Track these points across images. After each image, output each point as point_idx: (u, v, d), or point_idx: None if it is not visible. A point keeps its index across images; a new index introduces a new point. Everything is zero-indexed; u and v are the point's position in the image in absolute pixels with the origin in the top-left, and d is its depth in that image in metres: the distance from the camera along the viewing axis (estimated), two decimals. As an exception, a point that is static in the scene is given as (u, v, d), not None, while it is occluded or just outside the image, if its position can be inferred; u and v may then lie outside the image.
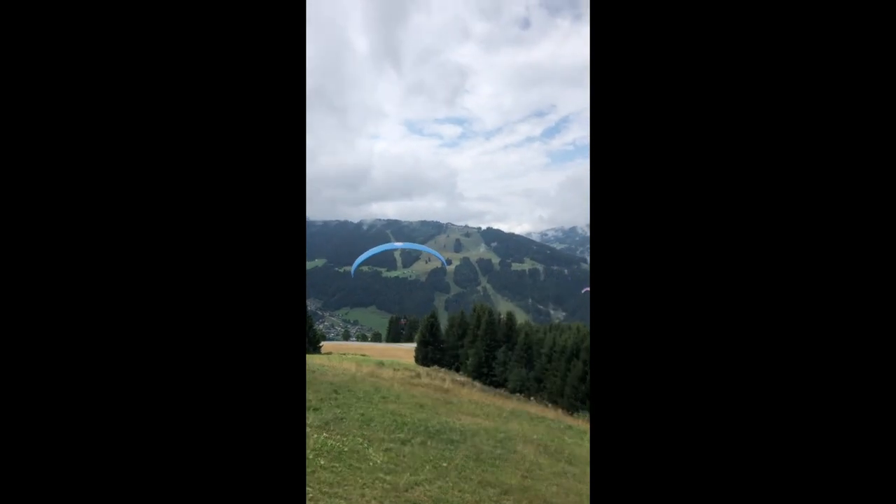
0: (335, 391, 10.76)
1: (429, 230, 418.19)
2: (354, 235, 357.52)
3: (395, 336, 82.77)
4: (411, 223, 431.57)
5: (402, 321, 32.19)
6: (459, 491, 4.90)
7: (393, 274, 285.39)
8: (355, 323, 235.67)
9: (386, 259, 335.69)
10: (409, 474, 4.90)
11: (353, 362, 22.68)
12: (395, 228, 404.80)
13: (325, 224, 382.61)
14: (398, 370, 23.10)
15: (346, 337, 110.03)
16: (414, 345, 48.43)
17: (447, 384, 19.18)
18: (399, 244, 22.94)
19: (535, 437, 8.54)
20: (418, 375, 20.92)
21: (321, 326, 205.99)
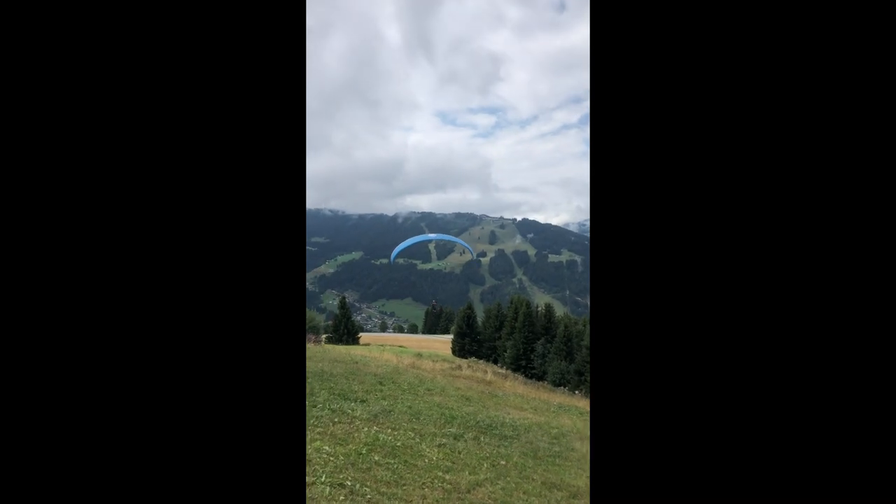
0: (380, 382, 10.67)
1: (463, 222, 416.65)
2: (390, 228, 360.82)
3: (431, 327, 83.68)
4: (445, 215, 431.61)
5: (435, 303, 34.06)
6: (524, 493, 4.62)
7: (428, 266, 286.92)
8: (392, 314, 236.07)
9: (420, 252, 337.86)
10: (468, 473, 4.90)
11: (393, 353, 22.87)
12: (430, 221, 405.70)
13: (361, 218, 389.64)
14: (437, 361, 23.01)
15: (384, 328, 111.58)
16: (450, 336, 48.56)
17: (489, 376, 18.93)
18: (433, 235, 23.41)
19: (589, 433, 8.42)
20: (459, 367, 20.77)
21: (359, 318, 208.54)
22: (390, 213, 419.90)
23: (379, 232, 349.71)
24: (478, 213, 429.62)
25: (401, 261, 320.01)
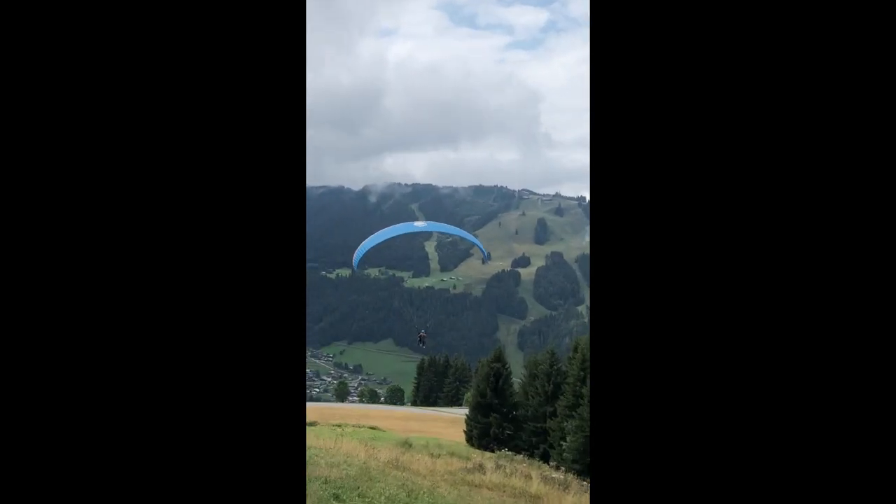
0: (335, 497, 10.47)
1: (487, 203, 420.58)
2: (355, 213, 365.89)
3: (428, 392, 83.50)
4: (455, 191, 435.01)
5: (423, 334, 34.14)
6: None
7: (424, 282, 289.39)
8: (357, 369, 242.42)
9: (410, 257, 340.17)
10: None
11: (360, 441, 23.10)
12: (428, 199, 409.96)
13: (307, 193, 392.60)
14: (440, 456, 22.71)
15: (343, 394, 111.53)
16: (463, 410, 48.54)
17: (535, 485, 18.40)
18: (421, 224, 23.78)
19: None
20: (480, 468, 20.34)
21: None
22: (356, 187, 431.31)
23: (336, 220, 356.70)
24: (515, 186, 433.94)
25: (374, 272, 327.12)
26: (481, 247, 30.42)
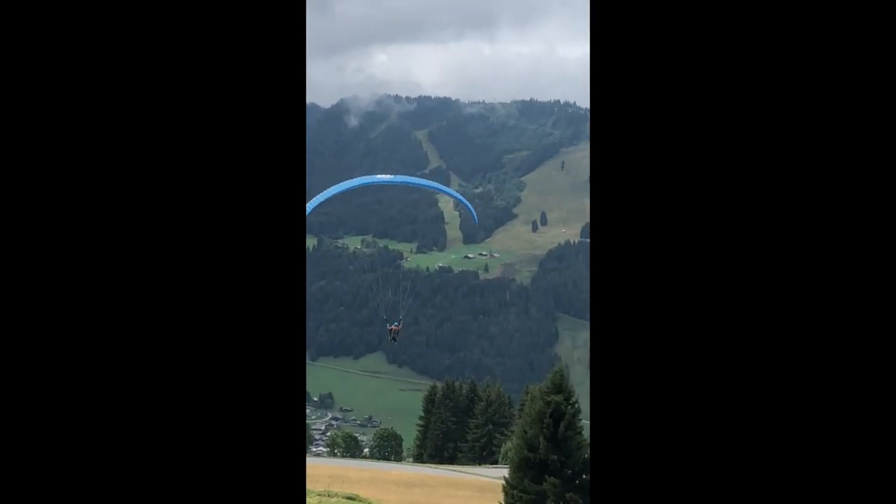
0: None
1: (542, 129, 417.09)
2: (324, 143, 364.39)
3: (438, 442, 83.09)
4: (491, 108, 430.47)
5: (395, 327, 40.59)
6: None
7: (436, 260, 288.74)
8: (324, 402, 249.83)
9: (414, 219, 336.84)
10: None
11: None
12: (443, 123, 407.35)
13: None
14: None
15: (306, 442, 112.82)
16: (500, 471, 48.50)
17: None
18: (387, 178, 27.77)
19: None
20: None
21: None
22: (325, 102, 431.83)
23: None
24: (585, 104, 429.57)
25: (354, 242, 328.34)
26: (468, 204, 31.04)
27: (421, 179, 28.38)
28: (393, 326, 41.13)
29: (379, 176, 29.71)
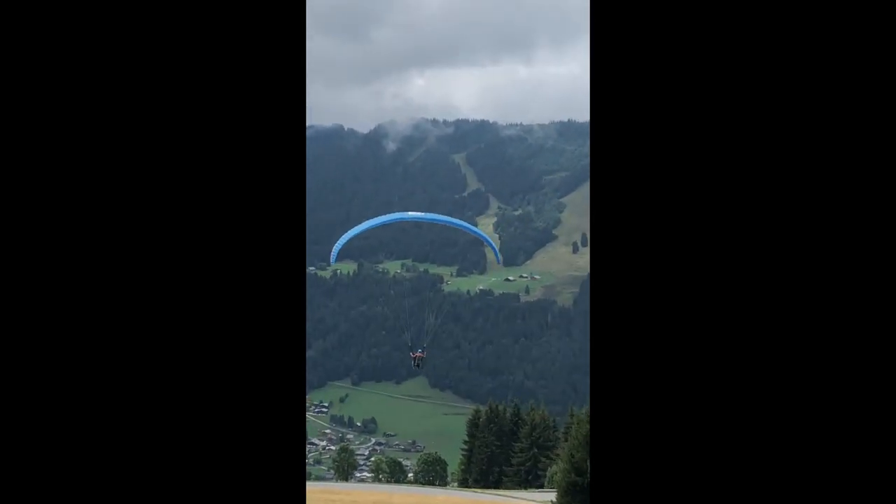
0: None
1: (581, 150, 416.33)
2: (362, 169, 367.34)
3: (483, 466, 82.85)
4: (528, 130, 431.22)
5: (419, 354, 40.98)
6: None
7: (477, 283, 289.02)
8: (368, 427, 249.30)
9: (454, 242, 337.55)
10: None
11: None
12: (482, 145, 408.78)
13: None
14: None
15: (346, 468, 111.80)
16: (547, 495, 48.08)
17: None
18: (415, 215, 29.33)
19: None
20: None
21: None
22: (363, 127, 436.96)
23: (332, 182, 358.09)
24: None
25: (394, 267, 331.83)
26: (490, 242, 31.10)
27: (449, 218, 29.60)
28: (417, 353, 41.17)
29: (409, 213, 31.64)
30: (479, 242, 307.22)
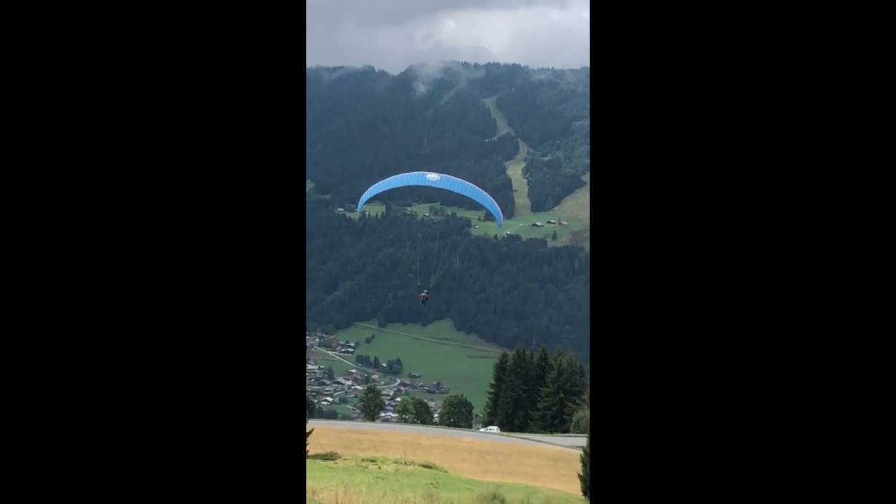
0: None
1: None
2: (392, 111, 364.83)
3: (509, 409, 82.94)
4: (561, 74, 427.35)
5: (425, 294, 47.72)
6: None
7: (504, 228, 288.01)
8: (393, 367, 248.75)
9: (484, 190, 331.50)
10: None
11: (416, 491, 24.24)
12: (512, 89, 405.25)
13: (311, 77, 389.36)
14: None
15: (372, 408, 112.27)
16: (575, 440, 48.23)
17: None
18: (434, 178, 30.01)
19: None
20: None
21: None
22: (394, 69, 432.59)
23: (361, 123, 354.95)
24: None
25: (422, 210, 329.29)
26: (496, 212, 31.15)
27: (459, 181, 32.93)
28: (423, 294, 48.48)
29: (428, 175, 31.98)
30: (508, 187, 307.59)
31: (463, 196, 31.76)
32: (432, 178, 30.86)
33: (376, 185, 32.32)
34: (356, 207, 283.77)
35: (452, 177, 32.93)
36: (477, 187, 32.81)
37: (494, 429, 77.83)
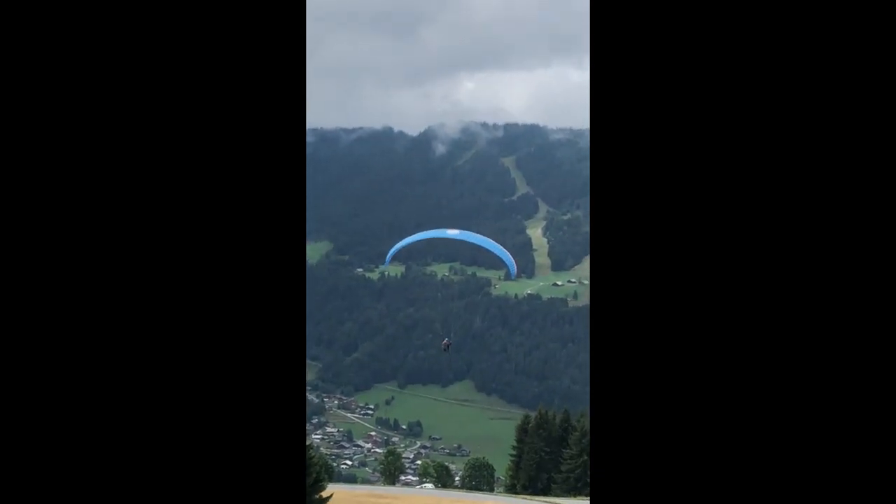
0: None
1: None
2: (411, 171, 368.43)
3: (532, 472, 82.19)
4: (579, 135, 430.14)
5: (447, 342, 52.88)
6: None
7: (525, 287, 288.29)
8: (414, 430, 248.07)
9: (502, 245, 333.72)
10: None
11: None
12: (531, 150, 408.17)
13: (329, 138, 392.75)
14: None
15: (392, 471, 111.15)
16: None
17: None
18: (454, 233, 31.02)
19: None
20: None
21: (317, 438, 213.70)
22: (413, 129, 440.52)
23: (381, 184, 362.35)
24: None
25: (442, 269, 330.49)
26: (510, 263, 31.42)
27: (478, 237, 35.04)
28: (445, 341, 54.92)
29: (448, 231, 34.25)
30: (528, 247, 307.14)
31: (480, 249, 33.36)
32: (452, 233, 32.96)
33: (403, 240, 33.64)
34: (376, 267, 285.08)
35: (470, 233, 33.39)
36: (492, 241, 34.50)
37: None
